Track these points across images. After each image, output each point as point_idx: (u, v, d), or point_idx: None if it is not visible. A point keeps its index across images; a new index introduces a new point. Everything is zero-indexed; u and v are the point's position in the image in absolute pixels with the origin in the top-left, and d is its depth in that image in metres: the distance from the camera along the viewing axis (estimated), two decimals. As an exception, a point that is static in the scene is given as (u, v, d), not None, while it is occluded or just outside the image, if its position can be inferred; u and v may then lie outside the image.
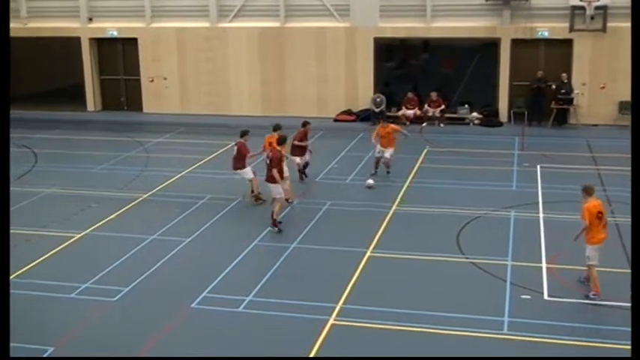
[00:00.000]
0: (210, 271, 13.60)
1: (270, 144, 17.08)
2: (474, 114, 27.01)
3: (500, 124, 26.59)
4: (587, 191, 12.47)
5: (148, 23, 29.28)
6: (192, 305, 12.30)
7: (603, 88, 25.84)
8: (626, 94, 21.34)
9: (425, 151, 22.52)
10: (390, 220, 16.33)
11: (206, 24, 28.75)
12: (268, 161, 15.87)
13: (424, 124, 26.55)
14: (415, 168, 20.54)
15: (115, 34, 29.65)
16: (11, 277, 12.98)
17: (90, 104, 30.50)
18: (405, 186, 18.85)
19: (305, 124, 19.27)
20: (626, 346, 9.96)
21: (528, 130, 25.51)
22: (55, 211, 17.35)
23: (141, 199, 18.19)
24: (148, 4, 29.04)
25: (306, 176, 19.44)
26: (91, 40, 29.99)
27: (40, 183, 19.53)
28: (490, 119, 26.73)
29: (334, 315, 11.83)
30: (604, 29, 25.28)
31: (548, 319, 11.63)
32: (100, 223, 16.35)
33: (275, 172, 15.61)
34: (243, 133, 17.70)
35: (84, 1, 29.48)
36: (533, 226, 15.77)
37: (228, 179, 18.60)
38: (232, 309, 12.13)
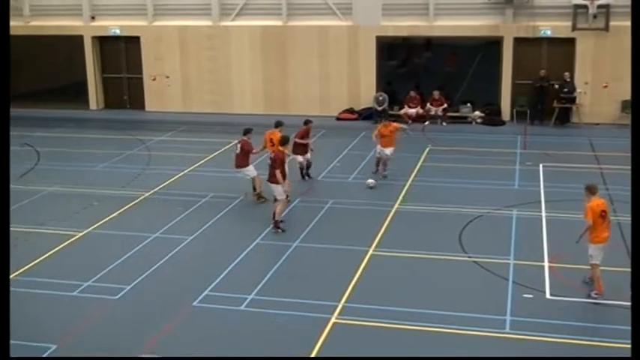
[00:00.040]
0: (212, 269, 13.60)
1: (272, 143, 17.09)
2: (477, 113, 26.97)
3: (503, 122, 26.56)
4: (591, 190, 12.45)
5: (150, 21, 29.28)
6: (194, 303, 12.29)
7: (606, 87, 25.81)
8: (628, 93, 21.20)
9: (427, 149, 22.50)
10: (393, 219, 16.32)
11: (208, 22, 28.74)
12: (271, 162, 15.86)
13: (426, 123, 26.53)
14: (417, 166, 20.52)
15: (118, 32, 29.65)
16: (13, 275, 13.03)
17: (92, 102, 30.52)
18: (407, 184, 18.84)
19: (307, 122, 19.26)
20: (628, 346, 9.93)
21: (531, 129, 25.48)
22: (56, 209, 17.35)
23: (143, 197, 18.19)
24: (151, 2, 29.04)
25: (309, 177, 19.42)
26: (94, 38, 29.99)
27: (41, 181, 19.52)
28: (492, 118, 26.70)
29: (336, 313, 11.82)
30: (607, 28, 25.25)
31: (550, 318, 11.61)
32: (101, 222, 16.35)
33: (278, 172, 15.58)
34: (247, 131, 17.71)
35: (86, 0, 29.50)
36: (535, 225, 15.75)
37: (231, 177, 18.58)
38: (234, 307, 12.12)
